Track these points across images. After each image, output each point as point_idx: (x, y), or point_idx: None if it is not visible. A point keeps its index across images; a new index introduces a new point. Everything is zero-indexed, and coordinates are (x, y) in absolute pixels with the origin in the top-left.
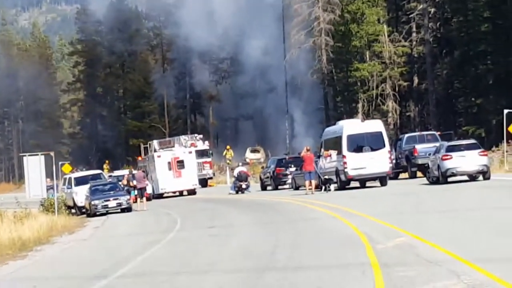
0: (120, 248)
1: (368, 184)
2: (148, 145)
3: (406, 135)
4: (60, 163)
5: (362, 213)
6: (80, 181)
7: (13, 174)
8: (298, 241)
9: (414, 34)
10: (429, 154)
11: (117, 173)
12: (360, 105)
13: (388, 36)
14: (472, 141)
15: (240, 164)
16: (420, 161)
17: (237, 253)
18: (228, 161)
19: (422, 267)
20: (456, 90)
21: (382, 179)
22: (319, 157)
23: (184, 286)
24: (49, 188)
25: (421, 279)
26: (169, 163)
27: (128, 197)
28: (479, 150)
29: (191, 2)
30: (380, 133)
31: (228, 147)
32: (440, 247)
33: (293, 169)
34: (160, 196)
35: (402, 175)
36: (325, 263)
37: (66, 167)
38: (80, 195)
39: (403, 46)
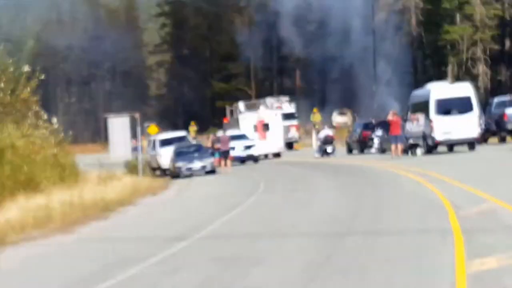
0: (202, 210)
1: (455, 149)
2: (234, 107)
3: (496, 99)
4: (145, 124)
5: (447, 178)
6: (165, 143)
7: (99, 135)
8: (380, 205)
9: None
10: None
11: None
12: (449, 68)
13: None
14: None
15: (326, 127)
16: (510, 126)
17: (319, 217)
18: (315, 125)
19: (504, 234)
20: None
21: (470, 144)
22: (405, 121)
23: (264, 249)
24: (134, 149)
25: (502, 246)
26: (254, 125)
27: (212, 159)
28: None
29: None
30: (469, 97)
31: (315, 110)
32: None
33: (379, 133)
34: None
35: (491, 140)
36: (406, 228)
37: (152, 129)
38: (165, 157)
39: (495, 8)
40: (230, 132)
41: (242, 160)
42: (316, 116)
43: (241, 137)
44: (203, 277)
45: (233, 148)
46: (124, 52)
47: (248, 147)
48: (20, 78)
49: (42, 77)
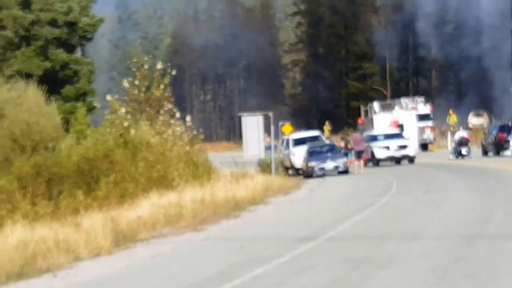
0: (332, 210)
1: None
2: (368, 108)
3: None
4: (280, 123)
5: None
6: (298, 142)
7: (233, 133)
8: None
9: None
10: None
11: None
12: None
13: None
14: None
15: (462, 128)
16: None
17: (449, 220)
18: (451, 127)
19: None
20: None
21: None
22: None
23: (391, 251)
24: (267, 148)
25: None
26: (389, 126)
27: (345, 159)
28: None
29: None
30: None
31: (451, 111)
32: None
33: None
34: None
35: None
36: None
37: (287, 128)
38: (298, 156)
39: None
40: (385, 130)
41: (397, 160)
42: (452, 118)
43: (396, 136)
44: (329, 278)
45: (387, 148)
46: (260, 50)
47: (402, 147)
48: (154, 75)
49: (174, 73)
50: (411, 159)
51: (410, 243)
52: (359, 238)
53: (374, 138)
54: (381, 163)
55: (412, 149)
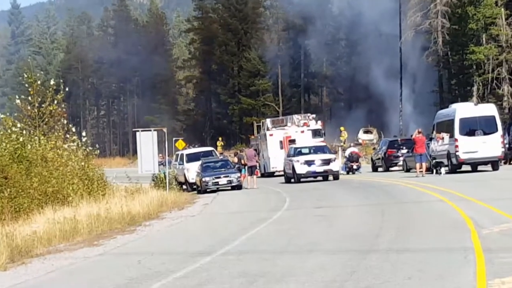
0: (227, 225)
1: (479, 168)
2: (261, 123)
3: None
4: (174, 139)
5: (471, 197)
6: (192, 158)
7: (127, 149)
8: (403, 223)
9: None
10: None
11: None
12: (475, 88)
13: (506, 19)
14: None
15: (352, 144)
16: None
17: (342, 234)
18: (342, 143)
19: None
20: None
21: (494, 164)
22: (431, 139)
23: (286, 265)
24: (161, 163)
25: None
26: (281, 141)
27: (238, 174)
28: None
29: None
30: (493, 117)
31: (342, 128)
32: None
33: (404, 151)
34: (271, 174)
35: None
36: (428, 247)
37: (180, 143)
38: (192, 171)
39: None
40: (308, 143)
41: (321, 175)
42: (343, 135)
43: (319, 149)
44: None
45: (311, 162)
46: (153, 66)
47: (326, 162)
48: (47, 91)
49: (67, 89)
50: (335, 175)
51: (304, 257)
52: (254, 253)
53: (297, 152)
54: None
55: (337, 164)
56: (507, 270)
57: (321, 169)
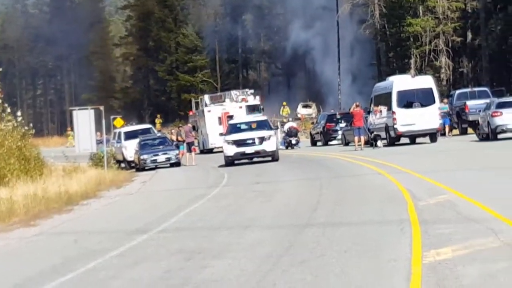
0: (165, 202)
1: (417, 140)
2: (199, 100)
3: (457, 91)
4: (111, 117)
5: (408, 170)
6: (130, 136)
7: (65, 127)
8: (341, 197)
9: None
10: (480, 111)
11: None
12: (412, 60)
13: None
14: None
15: (291, 119)
16: (471, 118)
17: (280, 209)
18: (284, 119)
19: (460, 225)
20: (510, 46)
21: (432, 136)
22: (369, 113)
23: (224, 241)
24: (99, 142)
25: (458, 237)
26: (219, 118)
27: (177, 152)
28: None
29: None
30: (431, 89)
31: (284, 103)
32: (482, 205)
33: (343, 125)
34: (210, 151)
35: (452, 132)
36: (365, 219)
37: (118, 121)
38: (130, 149)
39: (457, 1)
40: (247, 118)
41: (254, 157)
42: (286, 110)
43: (260, 125)
44: (163, 269)
45: (242, 143)
46: (90, 44)
47: (259, 141)
48: None
49: (0, 69)
50: (272, 156)
51: (242, 233)
52: (191, 230)
53: (234, 129)
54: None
55: (272, 143)
56: (442, 241)
57: (251, 149)
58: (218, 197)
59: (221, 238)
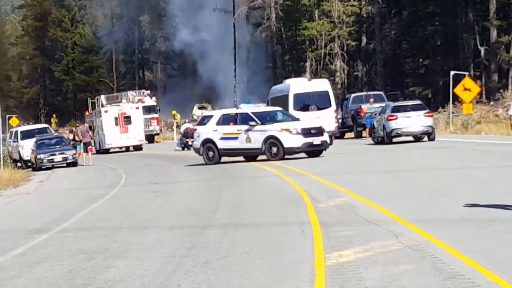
0: (63, 202)
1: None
2: (95, 100)
3: (353, 95)
4: (7, 116)
5: (306, 172)
6: (26, 135)
7: None
8: (240, 198)
9: None
10: (375, 115)
11: None
12: (308, 64)
13: None
14: (417, 102)
15: (187, 120)
16: (365, 121)
17: (179, 210)
18: (176, 126)
19: (361, 227)
20: (404, 51)
21: (328, 139)
22: None
23: (124, 241)
24: None
25: (359, 238)
26: (116, 118)
27: (74, 151)
28: (424, 111)
29: None
30: (327, 92)
31: (173, 112)
32: (381, 207)
33: None
34: (107, 151)
35: (348, 135)
36: (266, 221)
37: (14, 121)
38: (26, 148)
39: (352, 5)
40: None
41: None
42: (177, 117)
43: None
44: (66, 269)
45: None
46: None
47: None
48: None
49: None
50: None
51: (142, 233)
52: (91, 229)
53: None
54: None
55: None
56: (343, 243)
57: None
58: (116, 197)
59: (122, 238)
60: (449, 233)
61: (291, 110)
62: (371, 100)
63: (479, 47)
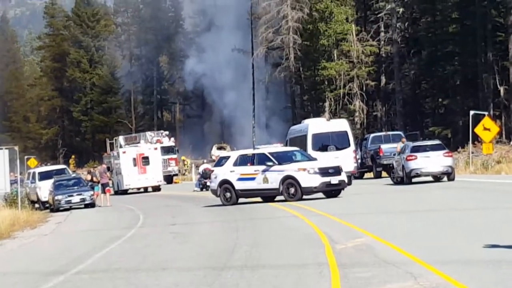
0: (80, 244)
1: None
2: (114, 141)
3: (372, 135)
4: (25, 157)
5: (325, 213)
6: (44, 176)
7: None
8: (258, 240)
9: (382, 34)
10: (394, 154)
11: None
12: (327, 104)
13: (356, 35)
14: (437, 141)
15: (205, 161)
16: (385, 161)
17: (197, 251)
18: (185, 171)
19: (379, 268)
20: (423, 91)
21: (347, 179)
22: None
23: (141, 283)
24: (13, 182)
25: (377, 280)
26: (134, 159)
27: (91, 192)
28: (444, 151)
29: None
30: (346, 132)
31: (183, 158)
32: (399, 248)
33: None
34: (125, 192)
35: (367, 175)
36: (283, 263)
37: (32, 162)
38: (44, 190)
39: (371, 45)
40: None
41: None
42: (187, 163)
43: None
44: None
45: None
46: (5, 84)
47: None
48: None
49: None
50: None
51: (160, 275)
52: (108, 271)
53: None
54: None
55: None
56: (361, 285)
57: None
58: (134, 238)
59: (138, 280)
60: (469, 274)
61: (310, 151)
62: (403, 139)
63: (498, 86)
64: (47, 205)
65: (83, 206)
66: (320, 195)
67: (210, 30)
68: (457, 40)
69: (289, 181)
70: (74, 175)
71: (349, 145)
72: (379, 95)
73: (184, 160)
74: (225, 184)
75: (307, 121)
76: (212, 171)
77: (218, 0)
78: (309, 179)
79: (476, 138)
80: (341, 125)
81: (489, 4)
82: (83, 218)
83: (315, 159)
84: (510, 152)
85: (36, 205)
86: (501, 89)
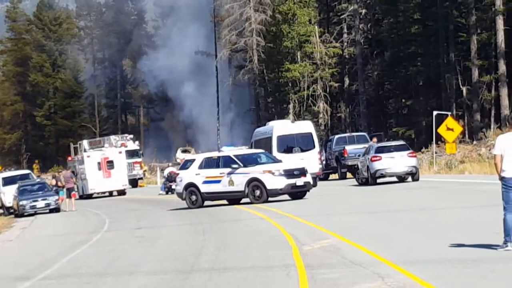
0: (46, 249)
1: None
2: (78, 145)
3: (336, 136)
4: None
5: (290, 214)
6: (8, 181)
7: None
8: (225, 242)
9: (345, 35)
10: (359, 155)
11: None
12: (291, 105)
13: (319, 37)
14: (401, 142)
15: (171, 164)
16: (350, 162)
17: (164, 254)
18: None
19: (346, 269)
20: (387, 91)
21: (312, 180)
22: None
23: None
24: None
25: (344, 281)
26: (98, 163)
27: (56, 197)
28: (408, 151)
29: (122, 2)
30: (310, 134)
31: (142, 164)
32: (366, 249)
33: None
34: (90, 196)
35: (332, 176)
36: (251, 265)
37: None
38: (8, 195)
39: (334, 47)
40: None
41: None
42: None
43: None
44: None
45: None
46: None
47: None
48: None
49: None
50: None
51: (126, 279)
52: (74, 276)
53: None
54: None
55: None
56: (329, 286)
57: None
58: (100, 242)
59: (105, 285)
60: (435, 274)
61: (275, 152)
62: (375, 139)
63: (461, 87)
64: (12, 210)
65: (48, 211)
66: (286, 197)
67: (172, 33)
68: (420, 41)
69: (254, 183)
70: (38, 180)
71: (314, 147)
72: (342, 97)
73: (142, 167)
74: (191, 187)
75: (271, 123)
76: (178, 174)
77: (181, 2)
78: (274, 181)
79: (440, 138)
80: (306, 126)
81: (450, 5)
82: (48, 223)
83: (280, 161)
84: (473, 151)
85: (0, 211)
86: (464, 89)
